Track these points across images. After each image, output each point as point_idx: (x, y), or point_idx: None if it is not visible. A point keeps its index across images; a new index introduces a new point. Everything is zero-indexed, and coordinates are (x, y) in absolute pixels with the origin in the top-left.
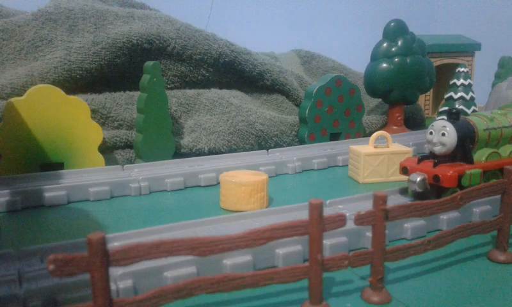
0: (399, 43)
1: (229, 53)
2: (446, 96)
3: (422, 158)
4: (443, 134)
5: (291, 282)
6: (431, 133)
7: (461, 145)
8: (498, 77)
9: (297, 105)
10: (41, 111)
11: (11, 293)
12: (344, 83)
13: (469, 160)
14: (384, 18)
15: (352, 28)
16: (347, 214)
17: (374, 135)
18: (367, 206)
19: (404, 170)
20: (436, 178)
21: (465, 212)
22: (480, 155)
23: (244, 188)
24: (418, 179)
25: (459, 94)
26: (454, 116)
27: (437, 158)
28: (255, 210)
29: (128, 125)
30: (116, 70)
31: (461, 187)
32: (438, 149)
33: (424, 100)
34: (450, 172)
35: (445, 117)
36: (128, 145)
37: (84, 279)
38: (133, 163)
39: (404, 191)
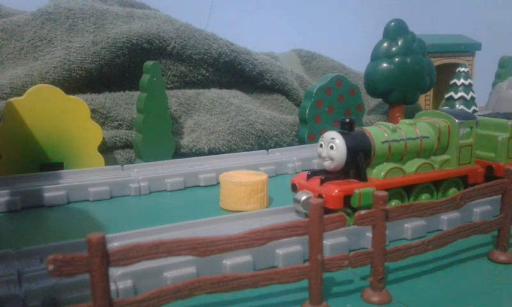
0: (399, 42)
1: (229, 53)
2: (446, 96)
3: (311, 174)
4: (332, 147)
5: (291, 282)
6: (321, 145)
7: (354, 160)
8: (499, 76)
9: (297, 105)
10: (40, 111)
11: (10, 294)
12: (344, 83)
13: (362, 177)
14: (385, 18)
15: (352, 28)
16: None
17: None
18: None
19: (293, 187)
20: (320, 197)
21: (466, 212)
22: (379, 171)
23: (244, 188)
24: (303, 198)
25: (460, 94)
26: (346, 126)
27: (326, 175)
28: (255, 210)
29: (128, 124)
30: (116, 70)
31: (353, 209)
32: (327, 164)
33: (425, 100)
34: (336, 191)
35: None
36: (128, 145)
37: (84, 280)
38: (133, 163)
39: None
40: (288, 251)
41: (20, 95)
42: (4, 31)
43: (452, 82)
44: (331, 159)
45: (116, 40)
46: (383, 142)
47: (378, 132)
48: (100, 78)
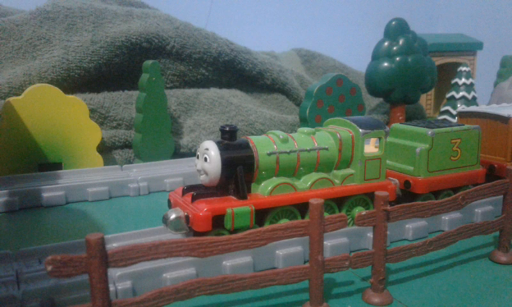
0: (400, 42)
1: (229, 52)
2: (448, 95)
3: (187, 189)
4: (206, 159)
5: (291, 283)
6: (197, 157)
7: (232, 174)
8: (501, 76)
9: (297, 105)
10: (39, 111)
11: (8, 294)
12: (344, 82)
13: (240, 194)
14: (386, 17)
15: (353, 27)
16: None
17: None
18: None
19: (168, 203)
20: (187, 218)
21: (467, 212)
22: (265, 188)
23: None
24: (172, 217)
25: (461, 93)
26: (226, 135)
27: (201, 190)
28: None
29: (127, 124)
30: (115, 69)
31: (232, 231)
32: (202, 178)
33: (426, 100)
34: (204, 210)
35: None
36: (127, 145)
37: (83, 281)
38: (132, 163)
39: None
40: (288, 251)
41: (19, 95)
42: (3, 30)
43: (453, 81)
44: (205, 173)
45: (115, 39)
46: (268, 154)
47: (265, 141)
48: (98, 78)
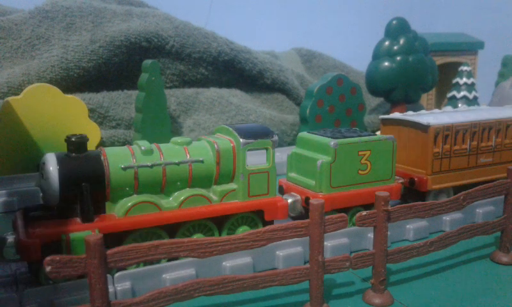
0: (401, 41)
1: (229, 51)
2: (449, 95)
3: (27, 209)
4: (42, 175)
5: (292, 284)
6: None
7: (77, 192)
8: (502, 75)
9: (297, 105)
10: (38, 110)
11: (7, 296)
12: (345, 82)
13: (85, 216)
14: (386, 17)
15: (353, 26)
16: None
17: None
18: None
19: (13, 224)
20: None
21: (468, 213)
22: (120, 208)
23: None
24: (9, 240)
25: (462, 93)
26: (72, 146)
27: (40, 211)
28: None
29: (127, 124)
30: (114, 69)
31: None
32: (42, 196)
33: (427, 99)
34: (30, 236)
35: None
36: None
37: (82, 281)
38: None
39: None
40: (288, 252)
41: (18, 94)
42: (1, 30)
43: (454, 81)
44: (42, 191)
45: (114, 39)
46: (124, 169)
47: (122, 154)
48: (98, 77)
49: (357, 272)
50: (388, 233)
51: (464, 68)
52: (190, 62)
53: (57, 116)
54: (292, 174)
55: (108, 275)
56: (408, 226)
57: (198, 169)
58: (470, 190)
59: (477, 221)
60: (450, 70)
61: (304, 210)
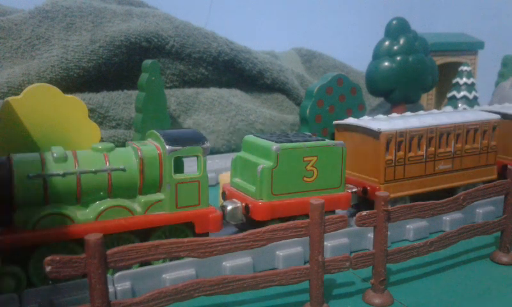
0: (401, 41)
1: (229, 51)
2: (449, 95)
3: None
4: None
5: (292, 284)
6: None
7: None
8: (502, 75)
9: (297, 105)
10: (38, 111)
11: (7, 296)
12: (345, 82)
13: None
14: (386, 16)
15: (353, 26)
16: None
17: None
18: None
19: None
20: None
21: (468, 213)
22: (28, 219)
23: None
24: None
25: (462, 93)
26: None
27: None
28: None
29: (127, 124)
30: (114, 69)
31: None
32: None
33: (427, 99)
34: None
35: None
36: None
37: (82, 281)
38: None
39: None
40: (288, 252)
41: (17, 94)
42: (1, 30)
43: (454, 81)
44: None
45: (114, 39)
46: (31, 178)
47: (30, 161)
48: (98, 77)
49: (357, 272)
50: (388, 233)
51: (465, 68)
52: (190, 62)
53: (57, 116)
54: (236, 180)
55: (108, 275)
56: (408, 226)
57: (119, 178)
58: (470, 190)
59: (477, 221)
60: (450, 70)
61: (245, 218)
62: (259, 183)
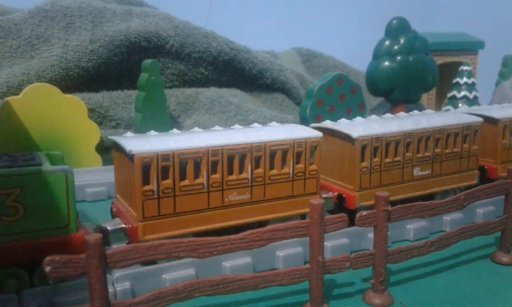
0: (402, 41)
1: (228, 51)
2: (449, 95)
3: None
4: None
5: (292, 284)
6: None
7: None
8: (502, 75)
9: (297, 104)
10: (37, 110)
11: (7, 296)
12: (345, 82)
13: None
14: (387, 16)
15: (354, 26)
16: None
17: None
18: None
19: None
20: None
21: (468, 213)
22: None
23: None
24: None
25: (463, 93)
26: None
27: None
28: None
29: (126, 124)
30: (114, 69)
31: None
32: None
33: (427, 99)
34: None
35: None
36: None
37: (81, 281)
38: None
39: None
40: (288, 252)
41: (17, 94)
42: (1, 29)
43: (454, 81)
44: None
45: (114, 38)
46: None
47: None
48: (97, 77)
49: (357, 272)
50: (388, 233)
51: (465, 67)
52: (190, 62)
53: (57, 116)
54: None
55: (108, 275)
56: (408, 226)
57: None
58: (471, 190)
59: (477, 221)
60: (451, 69)
61: None
62: None
